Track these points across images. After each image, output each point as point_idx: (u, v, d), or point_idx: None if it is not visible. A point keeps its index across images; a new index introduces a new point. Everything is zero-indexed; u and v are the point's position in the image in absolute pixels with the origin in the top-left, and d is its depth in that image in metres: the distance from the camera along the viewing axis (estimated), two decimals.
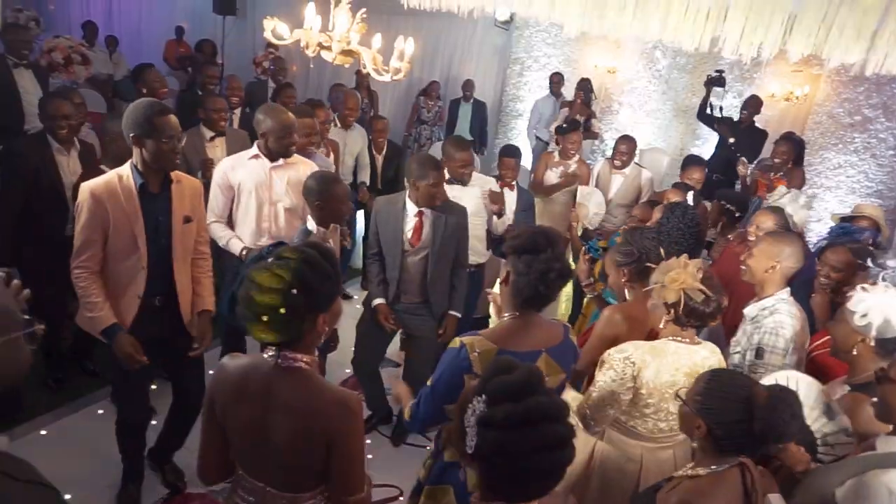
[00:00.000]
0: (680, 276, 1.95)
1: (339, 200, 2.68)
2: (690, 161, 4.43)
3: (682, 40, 2.53)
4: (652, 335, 2.11)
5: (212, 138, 3.88)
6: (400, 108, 8.77)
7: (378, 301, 3.21)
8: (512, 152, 4.16)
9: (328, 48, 2.67)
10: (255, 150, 3.05)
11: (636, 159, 5.07)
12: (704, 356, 2.02)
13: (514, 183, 4.06)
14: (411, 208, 3.08)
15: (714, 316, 2.00)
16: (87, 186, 2.32)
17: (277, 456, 1.52)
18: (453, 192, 3.36)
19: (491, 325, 2.07)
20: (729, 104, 6.50)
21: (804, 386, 1.97)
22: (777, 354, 2.32)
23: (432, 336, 3.27)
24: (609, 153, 5.14)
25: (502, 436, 1.18)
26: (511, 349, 1.75)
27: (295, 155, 3.11)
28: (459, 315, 3.28)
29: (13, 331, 0.91)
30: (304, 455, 1.51)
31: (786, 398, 1.56)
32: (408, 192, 3.08)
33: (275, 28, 2.73)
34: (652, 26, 2.37)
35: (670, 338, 2.02)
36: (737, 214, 3.68)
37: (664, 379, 1.95)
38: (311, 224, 2.71)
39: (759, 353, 2.34)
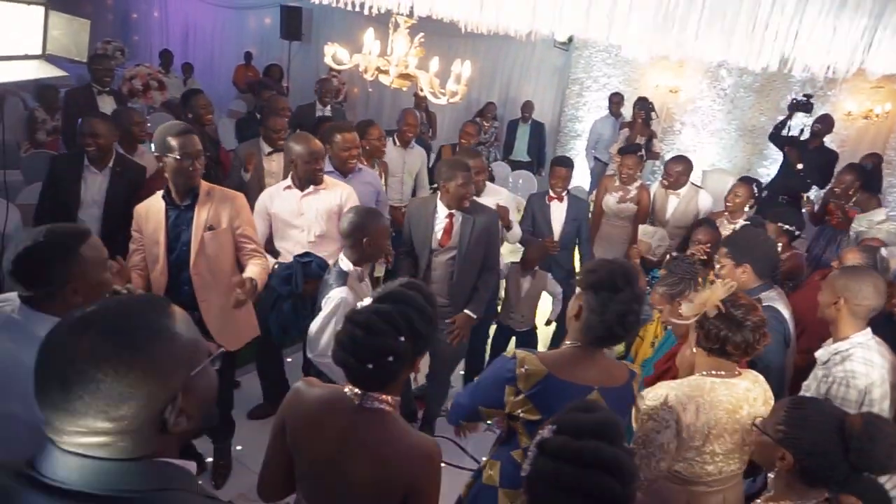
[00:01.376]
0: (703, 295, 1.86)
1: (382, 237, 2.59)
2: (739, 179, 4.23)
3: (749, 60, 2.43)
4: (673, 372, 1.98)
5: (270, 153, 4.00)
6: (458, 128, 8.83)
7: None
8: (563, 162, 4.16)
9: (386, 72, 2.72)
10: (288, 180, 3.15)
11: (699, 180, 4.90)
12: (746, 388, 1.89)
13: (563, 194, 4.07)
14: (442, 210, 3.15)
15: (742, 347, 1.82)
16: (137, 207, 2.64)
17: (351, 499, 1.46)
18: None
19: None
20: (799, 122, 6.20)
21: None
22: (848, 408, 2.11)
23: (455, 347, 3.29)
24: None
25: (554, 465, 1.14)
26: (563, 377, 1.69)
27: (327, 178, 3.16)
28: (475, 316, 3.25)
29: (203, 359, 0.97)
30: (380, 501, 1.46)
31: (884, 428, 1.45)
32: (439, 194, 3.17)
33: (335, 53, 2.80)
34: (715, 47, 2.29)
35: (704, 373, 1.90)
36: (796, 234, 3.53)
37: (703, 419, 1.82)
38: (346, 264, 2.53)
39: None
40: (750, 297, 1.97)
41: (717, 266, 2.59)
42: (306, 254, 2.95)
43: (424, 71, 2.92)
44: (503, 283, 3.87)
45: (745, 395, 1.87)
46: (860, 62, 2.13)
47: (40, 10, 2.37)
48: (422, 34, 2.77)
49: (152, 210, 2.61)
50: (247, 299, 2.50)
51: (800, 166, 5.50)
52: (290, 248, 3.11)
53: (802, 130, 5.97)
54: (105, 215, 3.25)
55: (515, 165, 7.66)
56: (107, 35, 10.48)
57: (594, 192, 5.20)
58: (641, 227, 4.43)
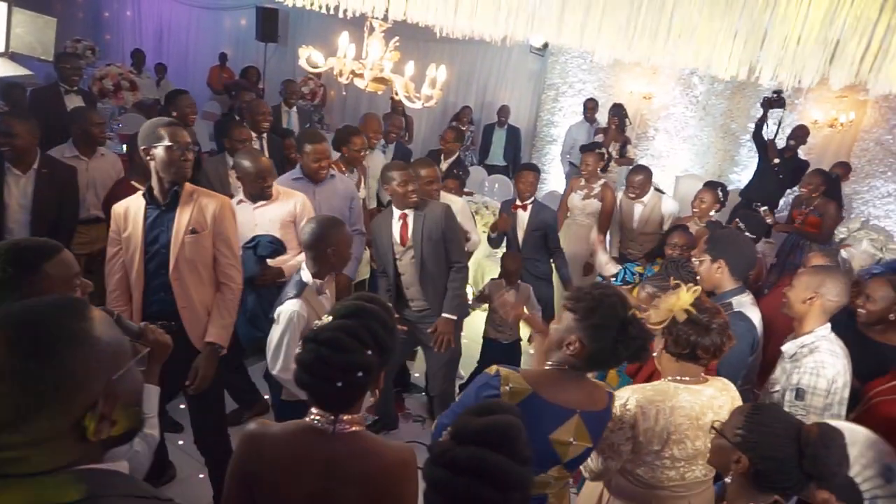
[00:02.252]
0: (671, 298, 1.86)
1: (345, 245, 2.50)
2: (704, 185, 4.31)
3: (717, 69, 2.48)
4: (644, 374, 2.00)
5: (234, 166, 3.90)
6: (434, 132, 8.86)
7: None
8: (530, 167, 4.25)
9: (361, 76, 2.71)
10: (241, 194, 3.12)
11: (672, 186, 4.99)
12: (711, 395, 1.90)
13: (528, 203, 4.12)
14: (395, 213, 3.24)
15: (711, 350, 1.85)
16: (115, 206, 2.51)
17: None
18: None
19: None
20: (775, 118, 6.35)
21: (861, 438, 1.85)
22: (819, 396, 2.20)
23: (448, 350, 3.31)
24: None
25: (432, 471, 1.16)
26: (545, 397, 1.64)
27: (279, 188, 3.15)
28: (454, 317, 3.26)
29: (126, 362, 0.94)
30: None
31: (837, 438, 1.48)
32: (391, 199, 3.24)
33: (309, 56, 2.79)
34: (684, 55, 2.33)
35: (670, 378, 1.92)
36: (752, 237, 3.63)
37: (663, 423, 1.84)
38: (306, 275, 2.47)
39: (798, 394, 2.23)
40: (712, 302, 2.01)
41: (696, 261, 2.64)
42: (251, 238, 2.94)
43: (400, 75, 2.93)
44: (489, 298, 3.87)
45: (710, 402, 1.88)
46: (824, 72, 2.19)
47: (2, 7, 2.32)
48: (397, 38, 2.77)
49: (132, 209, 2.46)
50: (201, 384, 2.44)
51: (776, 161, 5.65)
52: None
53: (779, 128, 6.13)
54: (34, 220, 3.08)
55: (491, 170, 7.70)
56: (77, 33, 10.29)
57: None
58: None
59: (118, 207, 2.49)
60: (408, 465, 1.44)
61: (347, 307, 1.43)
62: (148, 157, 2.36)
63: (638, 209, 4.55)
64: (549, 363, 1.73)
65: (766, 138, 6.04)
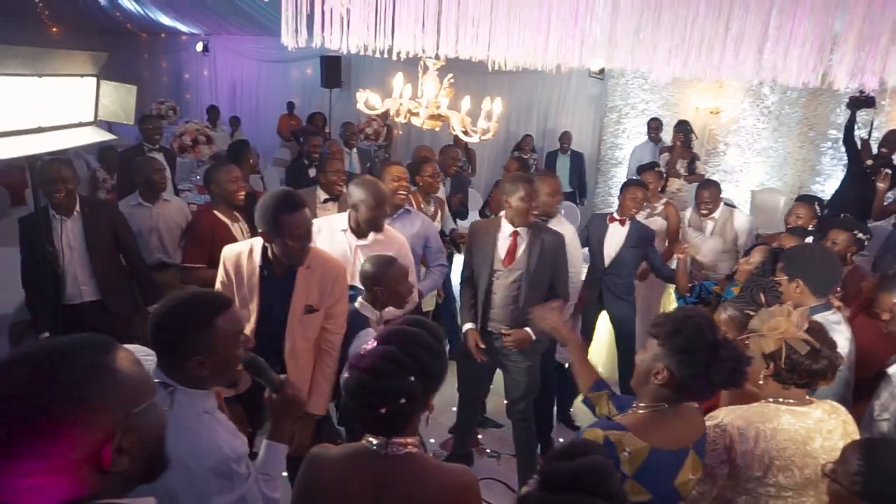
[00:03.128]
0: (781, 324, 1.72)
1: (397, 283, 2.50)
2: (798, 199, 4.06)
3: (787, 77, 2.36)
4: (747, 398, 1.85)
5: (325, 201, 3.95)
6: (498, 163, 8.91)
7: (468, 326, 3.13)
8: (641, 183, 3.98)
9: (417, 114, 2.77)
10: (344, 222, 2.97)
11: (748, 201, 4.75)
12: (819, 418, 1.75)
13: (627, 218, 3.83)
14: (506, 227, 3.01)
15: (825, 375, 1.72)
16: (225, 249, 2.45)
17: None
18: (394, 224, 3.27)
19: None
20: (866, 120, 5.91)
21: None
22: None
23: (528, 378, 3.13)
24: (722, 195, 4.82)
25: None
26: (662, 447, 1.51)
27: (387, 228, 3.00)
28: (534, 337, 3.01)
29: (149, 397, 0.97)
30: None
31: None
32: (504, 211, 3.04)
33: (367, 99, 2.87)
34: (746, 67, 2.24)
35: (771, 399, 1.77)
36: (866, 241, 3.30)
37: (763, 447, 1.70)
38: (369, 309, 2.50)
39: None
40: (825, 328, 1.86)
41: (776, 278, 2.49)
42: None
43: (456, 111, 2.97)
44: None
45: (818, 426, 1.73)
46: None
47: (93, 81, 2.56)
48: (451, 75, 2.81)
49: (246, 266, 2.35)
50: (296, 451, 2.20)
51: (869, 162, 5.26)
52: None
53: (871, 128, 5.71)
54: (93, 259, 3.21)
55: None
56: (162, 96, 11.19)
57: None
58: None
59: (229, 252, 2.39)
60: (469, 488, 1.42)
61: (391, 333, 1.39)
62: (266, 241, 2.32)
63: (708, 227, 4.34)
64: (644, 403, 1.62)
65: (857, 141, 5.60)
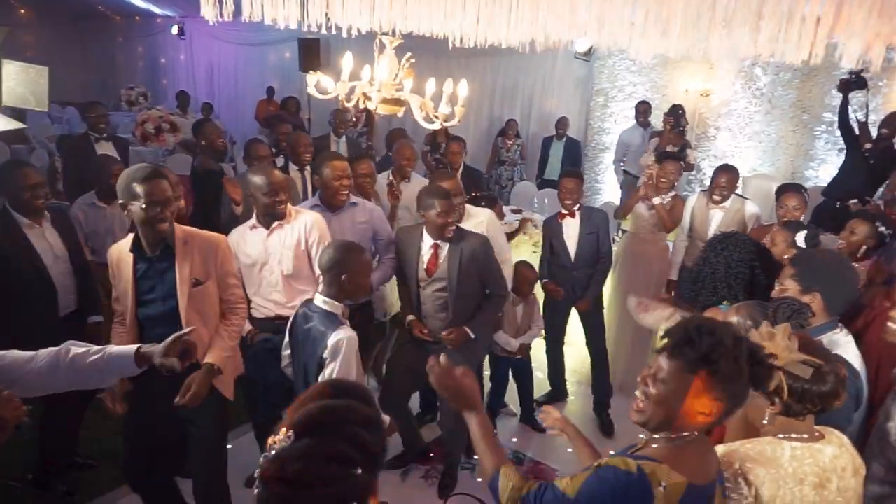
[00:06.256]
0: (770, 351, 1.44)
1: (362, 274, 2.35)
2: (783, 189, 3.70)
3: (786, 53, 2.08)
4: (752, 432, 1.57)
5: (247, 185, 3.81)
6: (481, 149, 8.61)
7: (410, 317, 3.14)
8: (570, 174, 3.96)
9: (370, 98, 2.48)
10: (254, 219, 2.90)
11: (739, 187, 4.49)
12: (833, 454, 1.50)
13: (575, 208, 3.81)
14: (427, 240, 3.03)
15: (837, 393, 1.47)
16: (110, 249, 2.43)
17: None
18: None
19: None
20: (860, 103, 5.61)
21: None
22: None
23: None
24: (708, 183, 4.56)
25: None
26: (697, 482, 1.30)
27: (291, 208, 2.90)
28: (473, 335, 3.04)
29: None
30: None
31: None
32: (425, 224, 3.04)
33: (318, 82, 2.58)
34: (741, 42, 1.96)
35: (781, 435, 1.51)
36: (888, 238, 2.93)
37: (786, 494, 1.43)
38: (332, 304, 2.32)
39: None
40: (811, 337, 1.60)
41: (778, 289, 2.16)
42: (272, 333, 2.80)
43: (420, 95, 2.68)
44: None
45: (834, 465, 1.47)
46: None
47: None
48: (409, 54, 2.52)
49: (122, 259, 2.38)
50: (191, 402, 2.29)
51: (868, 146, 4.98)
52: (261, 302, 2.91)
53: (868, 110, 5.40)
54: (75, 269, 2.95)
55: (548, 185, 7.33)
56: (138, 81, 10.78)
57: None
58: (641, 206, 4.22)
59: (112, 252, 2.41)
60: None
61: (312, 415, 1.00)
62: (125, 212, 2.29)
63: (717, 216, 4.05)
64: (662, 434, 1.35)
65: (853, 124, 5.30)
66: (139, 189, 2.20)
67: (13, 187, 2.74)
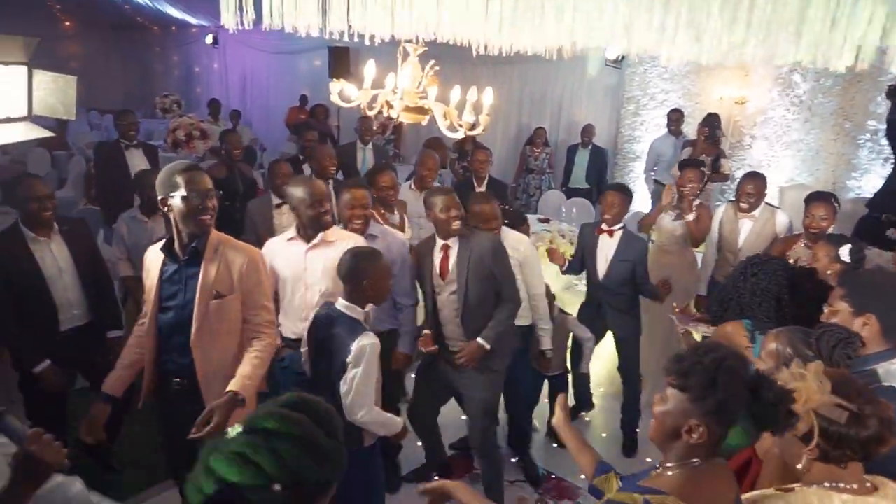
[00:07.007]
0: (801, 392, 1.32)
1: (383, 278, 2.35)
2: (812, 197, 3.49)
3: (830, 59, 1.97)
4: (789, 476, 1.45)
5: (278, 205, 3.73)
6: (510, 157, 8.53)
7: (425, 332, 3.08)
8: (617, 187, 3.71)
9: (392, 106, 2.44)
10: (292, 231, 2.79)
11: (776, 198, 4.31)
12: None
13: (616, 228, 3.57)
14: (438, 242, 2.96)
15: (882, 439, 1.33)
16: (148, 250, 2.38)
17: None
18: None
19: None
20: None
21: None
22: None
23: (484, 395, 2.96)
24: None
25: None
26: None
27: (336, 231, 2.81)
28: (487, 346, 2.87)
29: None
30: None
31: None
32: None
33: (342, 90, 2.56)
34: (780, 48, 1.86)
35: (827, 485, 1.35)
36: None
37: None
38: (355, 310, 2.31)
39: None
40: (855, 377, 1.45)
41: (827, 312, 1.99)
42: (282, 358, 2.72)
43: (444, 103, 2.62)
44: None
45: None
46: None
47: (23, 70, 2.27)
48: (433, 62, 2.47)
49: (153, 259, 2.30)
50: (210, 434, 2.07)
51: None
52: (290, 325, 2.77)
53: None
54: (84, 283, 2.91)
55: (573, 193, 7.21)
56: (174, 89, 11.02)
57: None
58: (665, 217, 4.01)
59: (149, 254, 2.34)
60: None
61: (261, 418, 1.02)
62: (166, 209, 2.20)
63: (746, 225, 3.89)
64: (672, 462, 1.33)
65: None
66: (179, 179, 2.14)
67: (21, 199, 2.76)
